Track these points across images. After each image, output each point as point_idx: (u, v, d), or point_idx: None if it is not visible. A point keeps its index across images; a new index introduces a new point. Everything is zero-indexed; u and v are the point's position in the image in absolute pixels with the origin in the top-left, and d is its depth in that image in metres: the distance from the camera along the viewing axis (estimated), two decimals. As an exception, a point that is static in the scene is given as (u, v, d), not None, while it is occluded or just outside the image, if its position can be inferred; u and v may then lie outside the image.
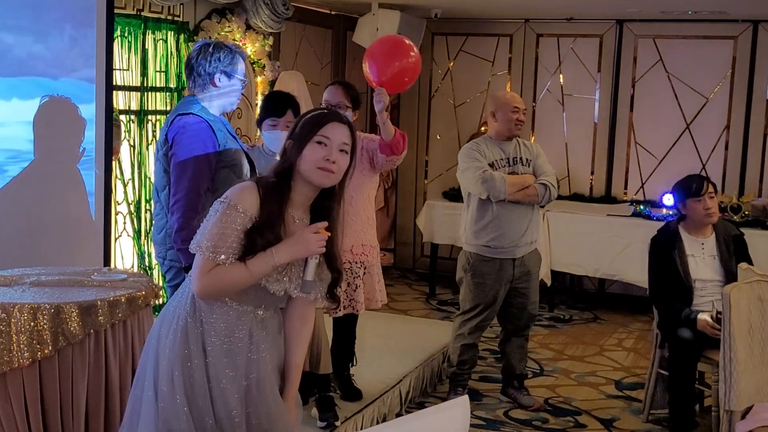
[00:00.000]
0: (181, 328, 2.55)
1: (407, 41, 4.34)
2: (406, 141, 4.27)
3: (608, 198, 7.76)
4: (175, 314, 2.59)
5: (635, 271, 6.44)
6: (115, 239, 5.33)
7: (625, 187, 7.79)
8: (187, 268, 3.35)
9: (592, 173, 7.89)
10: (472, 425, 4.57)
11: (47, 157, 4.40)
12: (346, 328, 4.55)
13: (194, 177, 3.49)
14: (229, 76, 3.72)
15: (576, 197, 7.75)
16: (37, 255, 4.32)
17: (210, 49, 3.73)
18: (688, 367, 4.49)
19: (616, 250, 6.84)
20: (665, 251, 4.65)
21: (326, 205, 2.61)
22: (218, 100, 3.74)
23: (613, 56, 7.73)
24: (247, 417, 2.57)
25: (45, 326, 3.06)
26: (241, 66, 3.78)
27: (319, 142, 2.54)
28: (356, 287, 4.35)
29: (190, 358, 2.53)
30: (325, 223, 2.55)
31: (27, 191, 4.35)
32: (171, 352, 2.53)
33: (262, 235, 2.49)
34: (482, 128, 7.78)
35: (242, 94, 3.91)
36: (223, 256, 2.47)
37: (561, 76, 7.92)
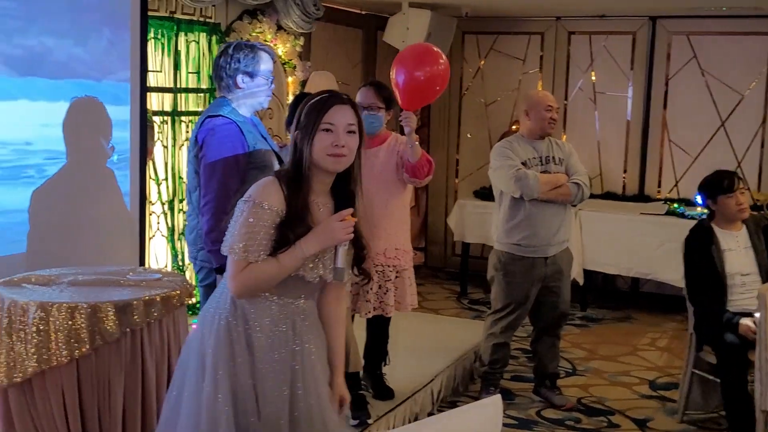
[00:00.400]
0: (223, 327, 2.57)
1: (435, 48, 4.35)
2: (432, 169, 4.33)
3: (641, 196, 7.70)
4: (216, 315, 2.61)
5: (669, 270, 6.39)
6: (149, 239, 5.38)
7: (659, 186, 7.73)
8: (219, 269, 3.41)
9: (625, 171, 7.84)
10: (504, 424, 4.57)
11: (80, 157, 4.46)
12: (378, 329, 4.56)
13: (223, 179, 3.50)
14: (251, 76, 3.70)
15: (609, 196, 7.69)
16: (74, 254, 4.38)
17: (230, 51, 3.73)
18: (738, 371, 4.40)
19: (650, 249, 6.78)
20: (702, 249, 4.60)
21: (347, 189, 2.63)
22: (246, 100, 3.73)
23: (646, 53, 7.66)
24: (291, 409, 2.56)
25: (82, 325, 3.10)
26: (265, 64, 3.74)
27: (326, 129, 2.55)
28: (387, 290, 4.36)
29: (234, 356, 2.54)
30: (350, 210, 2.56)
31: (63, 191, 4.41)
32: (214, 352, 2.55)
33: (293, 228, 2.51)
34: (513, 127, 7.74)
35: (273, 93, 3.91)
36: (254, 255, 2.49)
37: (593, 74, 7.87)
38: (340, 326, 2.79)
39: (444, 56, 4.31)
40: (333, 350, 2.74)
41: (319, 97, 2.61)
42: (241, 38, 5.89)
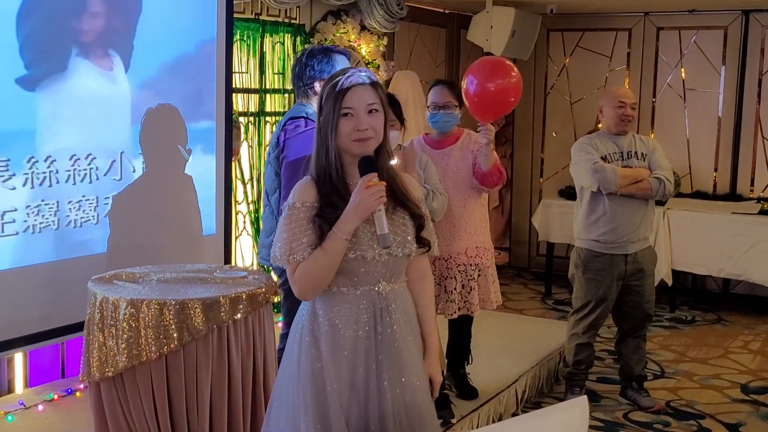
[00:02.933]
0: (308, 331, 2.53)
1: (507, 62, 4.32)
2: (502, 179, 4.29)
3: (733, 195, 7.48)
4: (299, 320, 2.59)
5: (762, 271, 6.23)
6: (236, 238, 5.47)
7: (752, 185, 7.50)
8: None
9: (716, 170, 7.63)
10: (590, 427, 4.49)
11: (158, 164, 4.57)
12: (461, 329, 4.54)
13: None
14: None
15: (699, 195, 7.51)
16: (162, 253, 4.48)
17: (304, 59, 3.82)
18: None
19: (742, 250, 6.59)
20: None
21: (370, 158, 2.50)
22: None
23: (738, 48, 7.45)
24: (380, 399, 2.52)
25: (171, 321, 3.16)
26: (340, 66, 3.77)
27: (345, 114, 2.46)
28: (471, 289, 4.33)
29: (321, 358, 2.50)
30: (373, 174, 2.45)
31: (153, 190, 4.52)
32: (303, 356, 2.52)
33: (326, 217, 2.44)
34: (599, 125, 7.61)
35: None
36: (300, 253, 2.45)
37: (682, 70, 7.69)
38: (429, 305, 2.71)
39: (516, 69, 4.26)
40: (423, 330, 2.67)
41: (335, 81, 2.49)
42: (325, 39, 5.94)
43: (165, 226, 4.61)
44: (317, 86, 3.77)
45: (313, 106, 3.77)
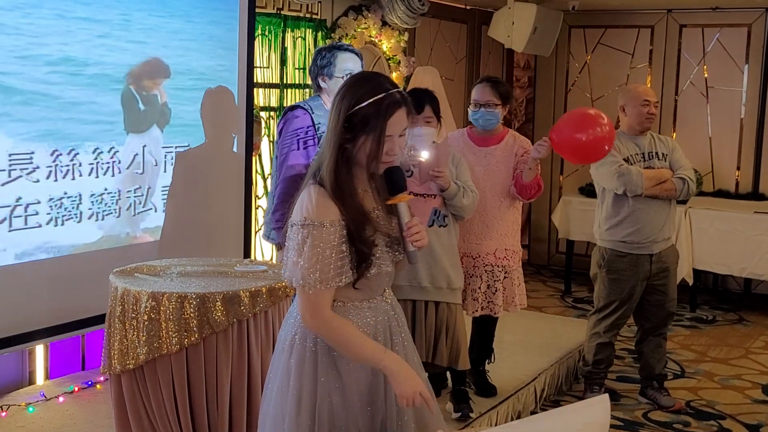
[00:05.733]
0: (323, 351, 2.37)
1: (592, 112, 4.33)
2: (540, 192, 4.33)
3: (756, 195, 7.41)
4: (302, 330, 2.40)
5: (785, 272, 6.16)
6: (255, 232, 5.48)
7: (775, 184, 7.45)
8: (280, 246, 3.79)
9: (738, 169, 7.56)
10: (609, 426, 4.47)
11: (211, 143, 4.70)
12: (484, 328, 4.53)
13: (290, 162, 3.92)
14: (329, 76, 3.99)
15: (720, 194, 7.45)
16: (182, 247, 4.50)
17: (314, 56, 4.07)
18: None
19: (764, 249, 6.54)
20: None
21: (398, 170, 2.38)
22: (329, 98, 3.98)
23: (762, 46, 7.38)
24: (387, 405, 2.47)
25: (191, 314, 3.17)
26: (341, 63, 3.97)
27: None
28: (495, 290, 4.32)
29: (341, 377, 2.38)
30: (407, 196, 2.38)
31: (193, 181, 4.61)
32: (297, 373, 2.38)
33: (360, 238, 2.30)
34: (620, 123, 7.57)
35: None
36: (334, 280, 2.28)
37: (705, 67, 7.63)
38: None
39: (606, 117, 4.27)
40: None
41: (375, 99, 2.29)
42: (346, 34, 5.94)
43: (194, 216, 4.67)
44: (320, 81, 4.01)
45: (321, 99, 4.02)
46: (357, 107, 2.30)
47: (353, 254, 2.31)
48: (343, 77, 3.88)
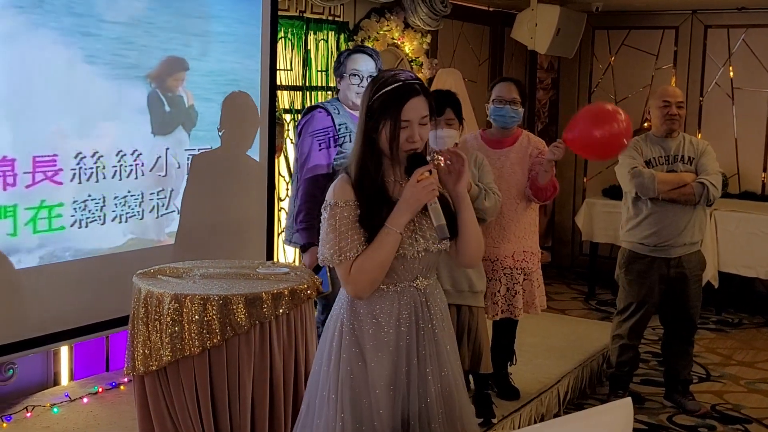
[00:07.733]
0: (348, 330, 2.54)
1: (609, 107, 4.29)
2: (556, 193, 4.35)
3: (783, 196, 7.36)
4: (337, 319, 2.58)
5: (812, 274, 6.09)
6: (278, 234, 5.49)
7: (802, 186, 7.37)
8: (304, 247, 3.93)
9: (765, 170, 7.49)
10: (633, 429, 4.44)
11: (229, 146, 4.76)
12: (505, 331, 4.51)
13: (311, 164, 3.98)
14: (341, 77, 4.13)
15: (746, 195, 7.39)
16: (206, 249, 4.51)
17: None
18: None
19: (791, 252, 6.48)
20: None
21: (419, 155, 2.51)
22: (342, 97, 4.15)
23: (788, 46, 7.32)
24: (420, 395, 2.54)
25: (214, 316, 3.18)
26: (351, 63, 4.08)
27: (403, 127, 2.47)
28: (515, 293, 4.31)
29: (363, 356, 2.51)
30: (425, 168, 2.46)
31: (210, 183, 4.62)
32: (344, 355, 2.53)
33: (373, 216, 2.47)
34: (645, 124, 7.54)
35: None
36: (352, 251, 2.46)
37: (731, 68, 7.57)
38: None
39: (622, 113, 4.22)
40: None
41: (391, 87, 2.48)
42: (368, 36, 5.95)
43: (216, 218, 4.69)
44: (337, 82, 4.16)
45: (339, 100, 4.15)
46: (376, 95, 2.49)
47: (364, 235, 2.48)
48: (357, 77, 4.05)
